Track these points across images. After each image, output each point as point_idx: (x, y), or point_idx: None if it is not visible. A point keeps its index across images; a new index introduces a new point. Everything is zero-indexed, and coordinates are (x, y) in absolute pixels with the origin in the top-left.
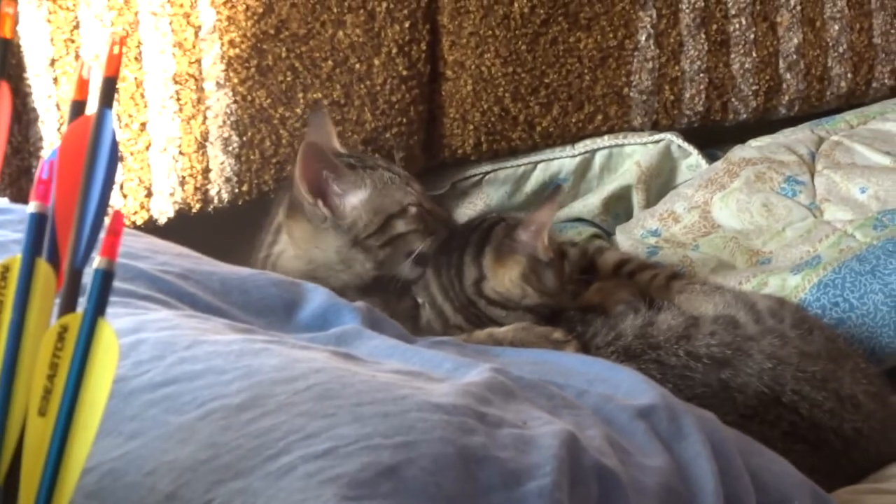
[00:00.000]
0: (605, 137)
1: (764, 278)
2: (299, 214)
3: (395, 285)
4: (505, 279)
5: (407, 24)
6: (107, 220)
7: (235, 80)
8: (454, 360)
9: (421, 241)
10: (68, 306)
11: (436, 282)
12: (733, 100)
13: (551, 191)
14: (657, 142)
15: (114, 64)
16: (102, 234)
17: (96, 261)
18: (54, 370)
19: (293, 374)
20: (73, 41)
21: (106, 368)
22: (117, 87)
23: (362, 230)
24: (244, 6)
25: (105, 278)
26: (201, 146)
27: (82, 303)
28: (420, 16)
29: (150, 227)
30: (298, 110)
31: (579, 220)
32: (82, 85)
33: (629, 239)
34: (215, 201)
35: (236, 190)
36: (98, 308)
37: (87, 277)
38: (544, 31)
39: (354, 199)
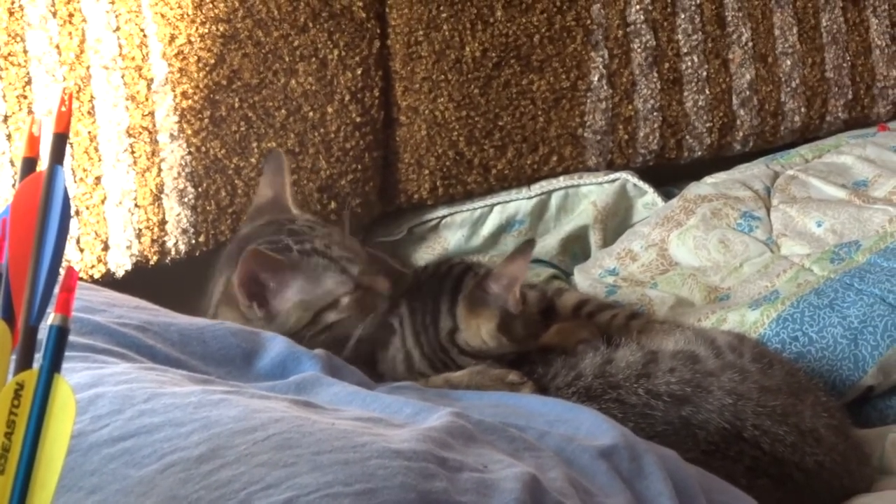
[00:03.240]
0: (561, 178)
1: (723, 314)
2: (230, 307)
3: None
4: (481, 332)
5: (359, 71)
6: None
7: (189, 132)
8: (414, 405)
9: (359, 321)
10: (24, 363)
11: (410, 326)
12: (687, 137)
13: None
14: (613, 181)
15: (63, 120)
16: (57, 290)
17: (51, 317)
18: (11, 427)
19: (252, 425)
20: (25, 97)
21: (63, 424)
22: (70, 141)
23: (294, 325)
24: (196, 58)
25: (60, 334)
26: (157, 198)
27: (38, 359)
28: (372, 62)
29: (108, 280)
30: (253, 160)
31: (537, 261)
32: (33, 142)
33: (587, 279)
34: (172, 253)
35: (193, 241)
36: (54, 364)
37: (44, 333)
38: (497, 74)
39: (287, 295)
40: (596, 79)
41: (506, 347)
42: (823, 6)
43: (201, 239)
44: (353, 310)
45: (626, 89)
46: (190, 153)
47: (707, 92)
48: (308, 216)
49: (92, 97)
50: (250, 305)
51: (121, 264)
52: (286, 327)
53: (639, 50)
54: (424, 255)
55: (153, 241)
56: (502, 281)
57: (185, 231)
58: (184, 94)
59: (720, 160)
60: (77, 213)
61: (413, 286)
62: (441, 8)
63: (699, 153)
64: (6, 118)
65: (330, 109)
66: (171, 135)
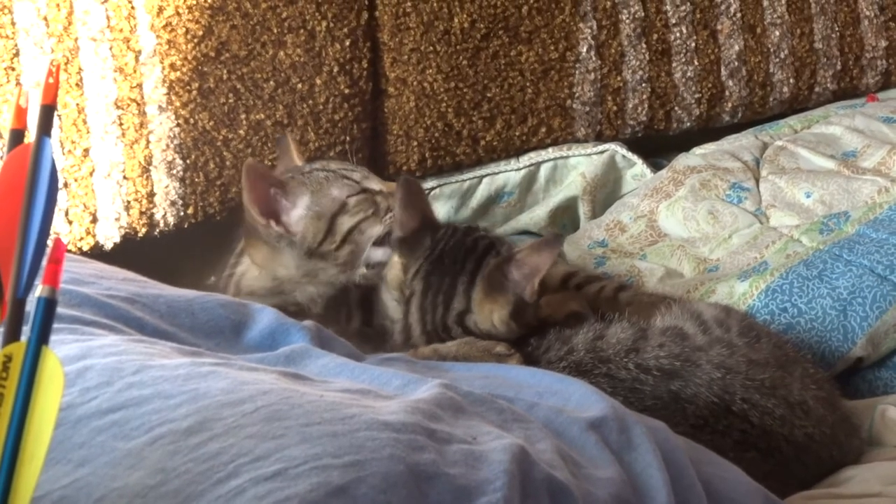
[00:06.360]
0: (550, 149)
1: (712, 286)
2: (255, 238)
3: (349, 300)
4: (493, 317)
5: (347, 43)
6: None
7: (177, 104)
8: (403, 377)
9: (376, 224)
10: (12, 335)
11: (418, 303)
12: (676, 108)
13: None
14: (601, 152)
15: (51, 92)
16: (45, 262)
17: (39, 289)
18: None
19: (241, 397)
20: (13, 69)
21: (51, 397)
22: (59, 113)
23: (312, 239)
24: (184, 29)
25: (48, 306)
26: (145, 170)
27: (27, 331)
28: (360, 34)
29: (97, 252)
30: (241, 132)
31: (526, 232)
32: (20, 113)
33: (576, 250)
34: (161, 225)
35: (182, 213)
36: (42, 336)
37: (32, 306)
38: (485, 45)
39: (300, 210)
40: (584, 50)
41: (513, 333)
42: None
43: (190, 211)
44: (365, 210)
45: (614, 60)
46: (178, 125)
47: (696, 63)
48: None
49: (80, 69)
50: (267, 223)
51: (109, 236)
52: (307, 243)
53: (627, 21)
54: None
55: (142, 213)
56: (524, 269)
57: (173, 203)
58: (172, 66)
59: (709, 131)
60: (65, 185)
61: (434, 253)
62: None
63: (688, 124)
64: None
65: (318, 81)
66: (160, 107)
